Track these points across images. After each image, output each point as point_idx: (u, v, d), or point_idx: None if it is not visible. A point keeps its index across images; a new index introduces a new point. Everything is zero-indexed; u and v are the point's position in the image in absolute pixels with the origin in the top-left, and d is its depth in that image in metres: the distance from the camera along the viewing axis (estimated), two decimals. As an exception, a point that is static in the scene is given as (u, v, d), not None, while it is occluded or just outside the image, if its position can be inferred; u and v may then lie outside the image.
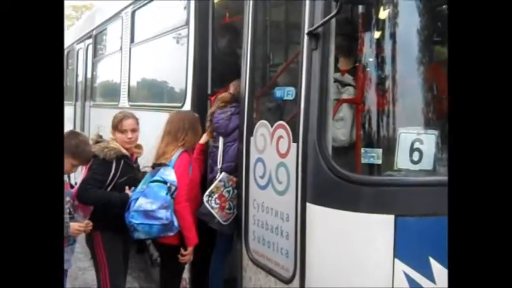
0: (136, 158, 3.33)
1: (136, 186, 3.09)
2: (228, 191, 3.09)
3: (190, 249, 3.06)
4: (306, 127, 2.36)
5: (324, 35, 2.33)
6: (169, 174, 2.95)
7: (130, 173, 3.16)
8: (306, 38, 2.39)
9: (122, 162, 3.10)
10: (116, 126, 3.19)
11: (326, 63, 2.34)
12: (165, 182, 2.92)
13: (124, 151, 3.13)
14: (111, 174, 3.05)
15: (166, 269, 3.36)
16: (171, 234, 2.96)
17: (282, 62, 3.37)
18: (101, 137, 3.22)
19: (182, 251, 3.06)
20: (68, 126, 5.14)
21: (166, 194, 2.90)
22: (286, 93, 2.63)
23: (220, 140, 3.26)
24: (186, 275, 3.56)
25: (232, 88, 3.38)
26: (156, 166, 3.03)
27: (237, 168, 3.09)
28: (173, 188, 2.93)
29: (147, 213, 2.86)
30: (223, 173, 3.14)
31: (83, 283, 4.59)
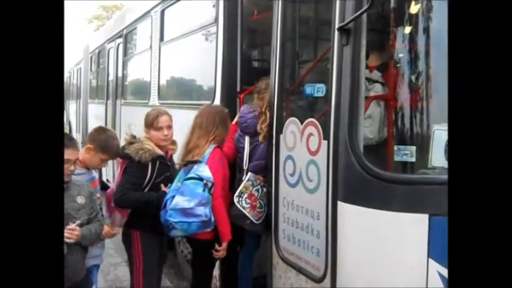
0: (171, 155, 3.29)
1: (171, 184, 3.09)
2: (257, 190, 3.08)
3: (224, 244, 3.06)
4: (336, 124, 2.33)
5: (355, 31, 2.29)
6: (204, 171, 2.93)
7: (166, 172, 3.12)
8: (336, 33, 2.35)
9: (158, 163, 3.04)
10: (151, 124, 3.12)
11: (357, 59, 2.30)
12: (200, 179, 2.90)
13: (159, 151, 3.07)
14: (148, 176, 3.00)
15: (198, 265, 3.35)
16: (209, 230, 2.94)
17: (311, 59, 3.34)
18: (134, 137, 3.16)
19: (217, 246, 3.06)
20: (99, 125, 5.21)
21: (203, 190, 2.88)
22: (316, 90, 2.60)
23: (246, 139, 3.24)
24: (215, 272, 3.57)
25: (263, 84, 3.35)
26: (189, 163, 3.01)
27: (266, 166, 3.08)
28: (210, 184, 2.91)
29: (185, 211, 2.83)
30: (250, 173, 3.14)
31: (115, 278, 4.67)
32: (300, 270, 2.63)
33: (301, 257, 2.63)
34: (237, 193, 3.05)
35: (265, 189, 3.08)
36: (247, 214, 3.04)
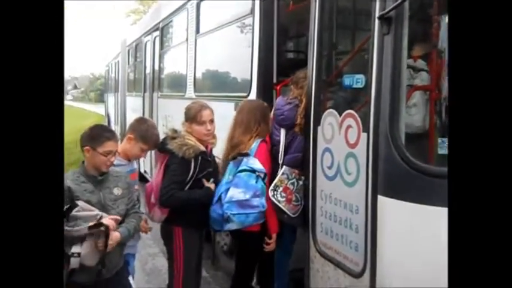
0: (211, 150, 3.25)
1: (216, 177, 3.11)
2: (293, 183, 3.05)
3: (274, 236, 3.08)
4: (377, 116, 2.26)
5: (397, 19, 2.21)
6: (254, 163, 2.96)
7: (208, 167, 3.09)
8: (377, 22, 2.28)
9: (200, 158, 3.01)
10: (194, 118, 3.07)
11: (399, 48, 2.22)
12: (253, 171, 2.92)
13: (201, 147, 3.04)
14: (191, 172, 2.97)
15: (244, 258, 3.36)
16: (262, 221, 2.98)
17: (348, 49, 3.27)
18: (175, 131, 3.11)
19: (267, 239, 3.08)
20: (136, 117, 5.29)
21: (256, 182, 2.91)
22: (355, 81, 2.54)
23: (282, 132, 3.18)
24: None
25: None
26: (239, 155, 3.02)
27: (303, 159, 3.04)
28: (262, 175, 2.94)
29: (241, 203, 2.87)
30: (285, 166, 3.10)
31: (153, 267, 4.76)
32: (338, 265, 2.59)
33: (340, 251, 2.59)
34: (271, 187, 3.01)
35: (301, 183, 3.04)
36: (283, 208, 3.01)
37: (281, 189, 3.02)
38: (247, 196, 2.87)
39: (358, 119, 2.44)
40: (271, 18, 3.68)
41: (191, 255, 3.10)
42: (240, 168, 2.96)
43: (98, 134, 2.62)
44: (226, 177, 3.04)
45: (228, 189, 2.92)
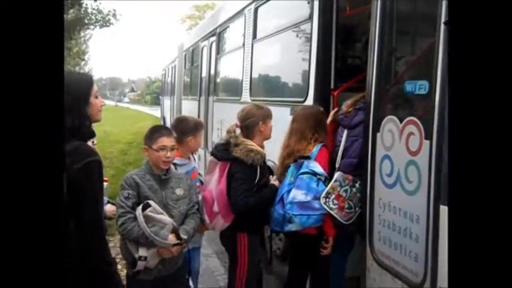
0: None
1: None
2: (346, 190, 3.00)
3: (331, 240, 3.07)
4: (441, 123, 2.20)
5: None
6: (315, 166, 2.98)
7: (267, 172, 3.15)
8: (442, 28, 2.23)
9: (263, 163, 3.05)
10: (265, 118, 3.15)
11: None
12: (314, 174, 2.94)
13: (264, 153, 3.08)
14: (257, 178, 3.00)
15: (298, 261, 3.36)
16: (321, 224, 2.98)
17: (409, 55, 3.20)
18: (237, 138, 3.07)
19: (323, 243, 3.07)
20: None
21: (317, 185, 2.93)
22: (418, 87, 2.48)
23: (344, 134, 3.18)
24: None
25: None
26: (299, 159, 3.05)
27: (359, 164, 3.01)
28: (323, 179, 2.96)
29: (303, 205, 2.89)
30: (338, 173, 3.06)
31: (206, 268, 4.82)
32: (396, 275, 2.54)
33: (398, 261, 2.54)
34: (323, 194, 2.96)
35: (354, 190, 3.00)
36: (335, 215, 2.97)
37: (333, 196, 2.98)
38: (309, 198, 2.89)
39: (421, 126, 2.39)
40: (329, 23, 3.67)
41: (254, 259, 3.13)
42: (302, 170, 2.97)
43: (152, 133, 2.77)
44: (288, 178, 3.06)
45: (290, 191, 2.95)
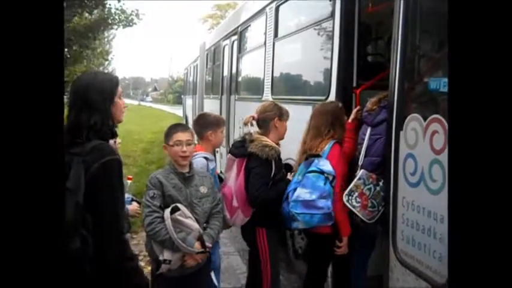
0: None
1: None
2: (369, 189, 2.98)
3: (345, 239, 3.05)
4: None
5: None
6: (325, 165, 2.96)
7: (282, 168, 3.21)
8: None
9: (278, 159, 3.15)
10: (283, 115, 3.26)
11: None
12: (322, 172, 2.92)
13: (279, 148, 3.17)
14: (273, 172, 3.08)
15: (315, 260, 3.37)
16: (330, 223, 2.96)
17: (434, 52, 3.15)
18: (251, 135, 3.21)
19: (337, 242, 3.05)
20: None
21: (325, 184, 2.90)
22: (442, 84, 2.44)
23: (368, 131, 3.16)
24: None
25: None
26: (310, 157, 3.05)
27: (382, 163, 2.98)
28: (331, 178, 2.93)
29: (307, 203, 2.89)
30: (362, 170, 3.04)
31: (228, 266, 4.85)
32: (419, 275, 2.50)
33: (422, 260, 2.50)
34: (346, 191, 2.98)
35: (378, 188, 2.98)
36: (358, 213, 2.97)
37: (356, 194, 2.97)
38: (313, 197, 2.88)
39: (445, 124, 2.34)
40: (351, 21, 3.64)
41: (276, 254, 3.19)
42: (310, 169, 2.97)
43: (169, 130, 2.85)
44: (296, 177, 3.07)
45: (295, 189, 2.96)
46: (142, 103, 70.37)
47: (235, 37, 7.67)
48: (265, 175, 3.05)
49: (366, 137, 3.15)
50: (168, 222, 2.56)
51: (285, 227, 3.16)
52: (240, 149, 3.16)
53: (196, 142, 3.06)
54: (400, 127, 2.71)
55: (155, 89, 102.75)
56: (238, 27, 7.47)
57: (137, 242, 5.70)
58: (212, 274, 2.95)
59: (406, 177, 2.65)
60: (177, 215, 2.59)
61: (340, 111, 3.26)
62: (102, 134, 1.99)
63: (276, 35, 5.41)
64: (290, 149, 3.60)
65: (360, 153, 3.17)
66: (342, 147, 3.16)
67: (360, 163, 3.14)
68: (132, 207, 2.86)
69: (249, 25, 6.89)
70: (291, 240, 4.70)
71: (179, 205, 2.63)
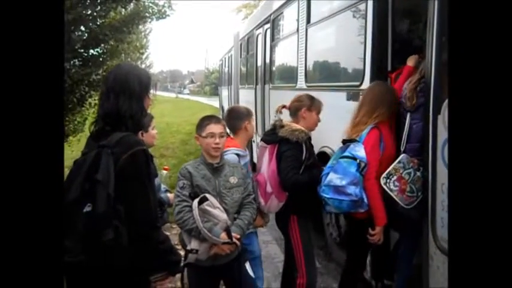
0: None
1: (319, 165, 3.17)
2: (409, 173, 2.90)
3: (378, 228, 2.98)
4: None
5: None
6: (359, 150, 2.91)
7: (313, 152, 3.23)
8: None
9: (308, 143, 3.18)
10: (312, 106, 3.29)
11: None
12: (354, 158, 2.88)
13: (309, 132, 3.20)
14: (304, 155, 3.10)
15: (353, 244, 3.34)
16: (362, 210, 2.92)
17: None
18: (281, 120, 3.25)
19: (370, 230, 2.99)
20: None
21: (356, 170, 2.86)
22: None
23: (408, 116, 3.08)
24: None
25: (411, 62, 3.22)
26: (347, 142, 3.02)
27: (422, 148, 2.89)
28: (362, 165, 2.87)
29: (337, 189, 2.87)
30: (403, 154, 2.96)
31: (266, 255, 4.87)
32: (460, 263, 2.43)
33: (462, 248, 2.42)
34: (384, 174, 2.90)
35: (418, 173, 2.89)
36: (395, 197, 2.88)
37: (395, 177, 2.89)
38: (344, 182, 2.84)
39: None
40: (385, 3, 3.53)
41: (308, 242, 3.20)
42: (344, 154, 2.94)
43: (202, 121, 2.85)
44: (331, 161, 3.06)
45: (328, 173, 2.95)
46: (180, 96, 71.35)
47: (268, 25, 7.62)
48: (296, 158, 3.08)
49: (406, 123, 3.06)
50: (196, 211, 2.58)
51: (324, 211, 3.16)
52: (271, 136, 3.22)
53: (227, 134, 3.07)
54: (437, 111, 2.62)
55: (192, 82, 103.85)
56: (270, 15, 7.41)
57: (177, 232, 5.81)
58: (247, 265, 2.94)
59: (444, 162, 2.56)
60: (205, 205, 2.61)
61: (395, 94, 3.19)
62: (142, 124, 2.02)
63: (308, 21, 5.33)
64: (324, 137, 3.56)
65: (401, 139, 3.10)
66: (380, 132, 3.04)
67: (401, 148, 3.07)
68: (171, 196, 2.91)
69: (282, 12, 6.82)
70: (328, 227, 4.66)
71: (208, 195, 2.64)
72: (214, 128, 2.78)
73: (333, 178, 2.89)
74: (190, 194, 2.67)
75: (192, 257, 2.64)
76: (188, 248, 2.64)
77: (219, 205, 2.67)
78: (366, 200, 2.88)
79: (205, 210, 2.61)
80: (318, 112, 3.33)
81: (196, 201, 2.61)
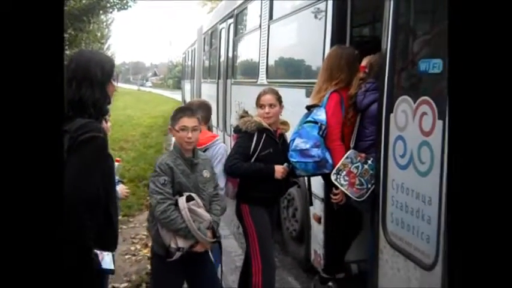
0: (281, 134, 3.40)
1: (280, 159, 3.23)
2: (357, 167, 3.00)
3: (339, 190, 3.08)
4: (454, 103, 2.15)
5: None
6: (320, 115, 3.08)
7: (273, 147, 3.25)
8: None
9: (264, 135, 3.22)
10: (257, 102, 3.34)
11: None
12: (316, 122, 3.05)
13: (265, 124, 3.23)
14: (253, 145, 3.19)
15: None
16: (327, 171, 3.06)
17: (425, 33, 3.12)
18: (246, 112, 3.39)
19: (334, 190, 3.10)
20: (211, 103, 5.43)
21: (318, 133, 3.02)
22: (432, 66, 2.42)
23: (358, 117, 3.17)
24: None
25: (365, 62, 3.28)
26: (310, 108, 3.17)
27: (372, 146, 3.00)
28: (323, 127, 3.03)
29: (302, 152, 3.04)
30: (350, 150, 3.07)
31: (223, 248, 4.83)
32: (408, 256, 2.52)
33: (410, 242, 2.51)
34: (334, 170, 3.02)
35: (366, 166, 2.99)
36: (346, 191, 3.00)
37: (344, 172, 3.00)
38: (308, 146, 3.02)
39: (434, 106, 2.34)
40: (345, 3, 3.60)
41: (263, 230, 3.24)
42: (307, 119, 3.11)
43: (175, 114, 2.84)
44: (296, 127, 3.20)
45: (294, 139, 3.11)
46: (142, 88, 70.21)
47: (232, 20, 7.61)
48: (242, 146, 3.21)
49: (357, 121, 3.15)
50: (186, 212, 2.58)
51: (293, 174, 3.27)
52: (237, 126, 3.35)
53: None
54: (390, 110, 2.70)
55: (155, 74, 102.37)
56: (234, 9, 7.40)
57: (134, 225, 5.74)
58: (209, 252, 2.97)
59: (395, 159, 2.65)
60: (191, 204, 2.62)
61: (354, 56, 3.27)
62: (104, 111, 1.99)
63: (271, 17, 5.36)
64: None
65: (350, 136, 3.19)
66: (340, 96, 3.14)
67: (351, 145, 3.15)
68: (121, 188, 2.86)
69: (245, 8, 6.83)
70: (285, 221, 4.72)
71: (193, 195, 2.67)
72: (187, 121, 2.76)
73: (298, 143, 3.06)
74: (172, 191, 2.65)
75: (178, 255, 2.66)
76: (174, 246, 2.63)
77: (202, 204, 2.70)
78: (330, 160, 3.04)
79: (191, 209, 2.62)
80: (261, 107, 3.31)
81: (183, 200, 2.62)
